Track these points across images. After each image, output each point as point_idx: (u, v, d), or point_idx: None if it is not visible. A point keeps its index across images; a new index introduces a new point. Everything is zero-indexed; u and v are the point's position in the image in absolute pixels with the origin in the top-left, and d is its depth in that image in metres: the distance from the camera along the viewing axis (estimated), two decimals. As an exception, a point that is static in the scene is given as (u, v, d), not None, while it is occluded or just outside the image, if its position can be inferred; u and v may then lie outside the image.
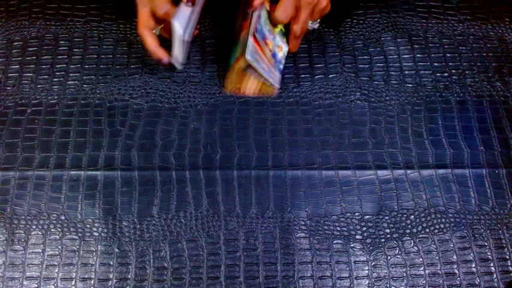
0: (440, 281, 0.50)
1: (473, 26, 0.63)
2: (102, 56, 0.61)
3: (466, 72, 0.60)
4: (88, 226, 0.52)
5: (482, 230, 0.52)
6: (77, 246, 0.51)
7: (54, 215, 0.52)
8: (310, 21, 0.54)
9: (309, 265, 0.50)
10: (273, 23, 0.52)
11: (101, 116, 0.57)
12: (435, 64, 0.61)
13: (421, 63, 0.61)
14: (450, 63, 0.61)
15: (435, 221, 0.52)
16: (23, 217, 0.52)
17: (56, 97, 0.58)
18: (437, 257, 0.51)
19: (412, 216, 0.52)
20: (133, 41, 0.62)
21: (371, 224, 0.52)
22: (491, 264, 0.51)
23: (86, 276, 0.50)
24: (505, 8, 0.65)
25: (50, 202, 0.53)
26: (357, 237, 0.52)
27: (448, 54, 0.61)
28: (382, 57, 0.61)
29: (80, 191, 0.53)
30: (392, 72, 0.60)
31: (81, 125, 0.56)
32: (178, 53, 0.53)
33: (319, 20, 0.56)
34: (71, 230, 0.51)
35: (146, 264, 0.50)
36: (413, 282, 0.50)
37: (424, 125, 0.57)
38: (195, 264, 0.50)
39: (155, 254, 0.51)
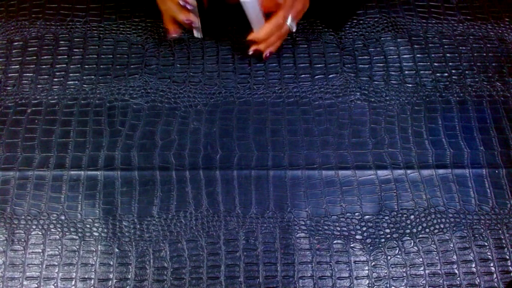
0: (440, 281, 0.50)
1: (473, 26, 0.63)
2: (102, 56, 0.61)
3: (466, 72, 0.60)
4: (88, 226, 0.52)
5: (482, 230, 0.52)
6: (77, 246, 0.51)
7: (54, 215, 0.52)
8: (290, 19, 0.54)
9: (309, 265, 0.50)
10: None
11: (101, 116, 0.57)
12: (435, 64, 0.61)
13: (421, 63, 0.61)
14: (450, 63, 0.61)
15: (435, 221, 0.52)
16: (23, 217, 0.52)
17: (56, 97, 0.58)
18: (437, 257, 0.51)
19: (412, 216, 0.52)
20: (133, 41, 0.62)
21: (371, 224, 0.52)
22: (491, 264, 0.51)
23: (86, 276, 0.50)
24: (505, 8, 0.65)
25: (50, 202, 0.53)
26: (357, 237, 0.52)
27: (448, 54, 0.61)
28: (382, 57, 0.61)
29: (80, 191, 0.53)
30: (393, 72, 0.60)
31: (81, 125, 0.56)
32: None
33: (294, 21, 0.55)
34: (71, 230, 0.51)
35: (146, 264, 0.50)
36: (413, 282, 0.50)
37: (424, 125, 0.57)
38: (195, 264, 0.50)
39: (155, 254, 0.51)
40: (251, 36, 0.55)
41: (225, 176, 0.54)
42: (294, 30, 0.56)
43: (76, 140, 0.56)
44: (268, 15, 0.54)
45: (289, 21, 0.54)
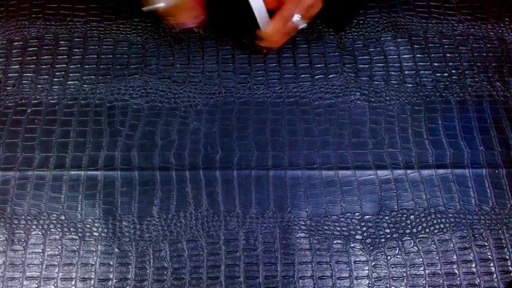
0: (440, 281, 0.50)
1: (473, 26, 0.63)
2: (102, 56, 0.61)
3: (466, 72, 0.60)
4: (88, 226, 0.52)
5: (482, 230, 0.52)
6: (77, 246, 0.51)
7: (54, 215, 0.52)
8: (296, 16, 0.53)
9: (309, 265, 0.50)
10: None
11: (101, 116, 0.57)
12: (435, 64, 0.61)
13: (421, 63, 0.61)
14: (450, 63, 0.61)
15: (435, 221, 0.52)
16: (23, 217, 0.52)
17: (56, 97, 0.58)
18: (437, 257, 0.51)
19: (412, 216, 0.52)
20: (133, 41, 0.62)
21: (371, 224, 0.52)
22: (491, 264, 0.51)
23: (86, 276, 0.50)
24: (505, 8, 0.65)
25: (50, 202, 0.53)
26: (357, 237, 0.52)
27: (448, 54, 0.61)
28: (382, 57, 0.61)
29: (80, 191, 0.53)
30: (393, 72, 0.60)
31: (81, 125, 0.56)
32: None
33: (304, 18, 0.54)
34: (71, 230, 0.51)
35: (146, 264, 0.50)
36: (413, 282, 0.50)
37: (424, 125, 0.57)
38: (195, 264, 0.50)
39: (155, 254, 0.51)
40: (259, 32, 0.53)
41: (225, 176, 0.54)
42: (300, 27, 0.54)
43: (76, 140, 0.56)
44: (272, 13, 0.53)
45: (295, 18, 0.53)
